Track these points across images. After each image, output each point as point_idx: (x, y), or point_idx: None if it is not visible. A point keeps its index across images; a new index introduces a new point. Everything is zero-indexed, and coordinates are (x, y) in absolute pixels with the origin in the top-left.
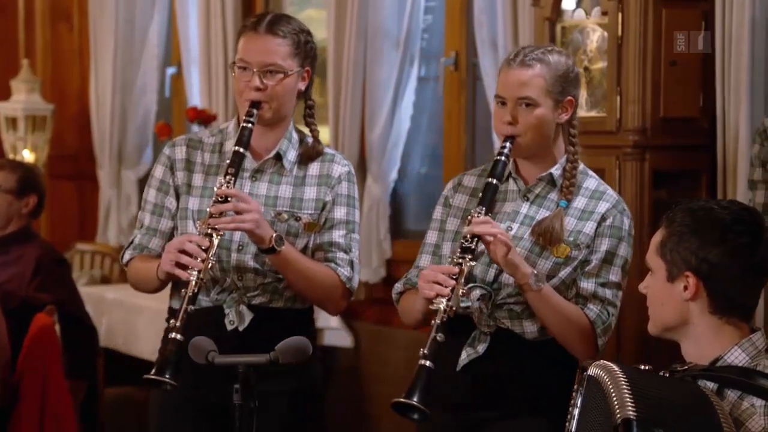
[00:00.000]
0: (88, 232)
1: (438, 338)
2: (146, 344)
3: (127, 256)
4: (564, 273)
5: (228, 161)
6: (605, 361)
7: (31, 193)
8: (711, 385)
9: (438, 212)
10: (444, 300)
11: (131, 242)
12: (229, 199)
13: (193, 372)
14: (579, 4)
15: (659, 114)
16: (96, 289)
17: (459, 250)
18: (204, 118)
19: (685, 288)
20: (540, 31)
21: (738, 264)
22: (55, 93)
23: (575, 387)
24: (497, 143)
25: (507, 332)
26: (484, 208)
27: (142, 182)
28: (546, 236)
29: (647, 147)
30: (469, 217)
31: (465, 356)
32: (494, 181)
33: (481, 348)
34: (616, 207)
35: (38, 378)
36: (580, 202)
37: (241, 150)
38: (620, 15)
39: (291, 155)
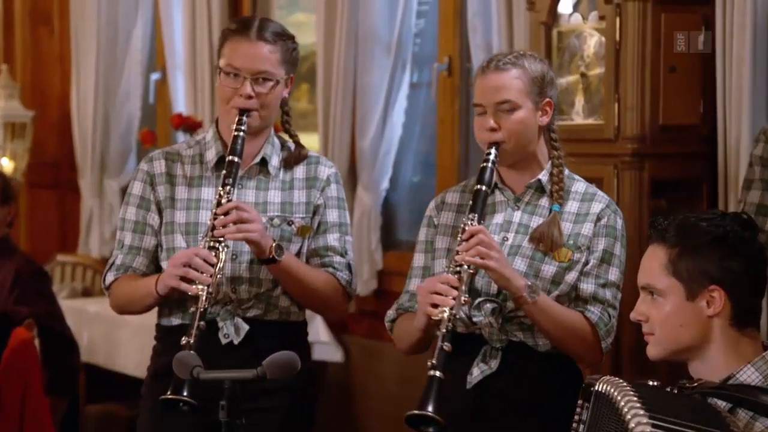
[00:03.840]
0: (69, 243)
1: (445, 347)
2: (129, 359)
3: (109, 279)
4: (571, 277)
5: (224, 172)
6: (613, 377)
7: (11, 201)
8: (723, 404)
9: (423, 234)
10: (447, 309)
11: (112, 264)
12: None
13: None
14: (576, 8)
15: (658, 121)
16: (77, 302)
17: (454, 261)
18: (189, 125)
19: (708, 304)
20: (535, 35)
21: (754, 270)
22: (36, 99)
23: (580, 402)
24: None
25: (519, 346)
26: (476, 215)
27: (126, 191)
28: (546, 242)
29: (646, 155)
30: (463, 226)
31: (478, 373)
32: (483, 188)
33: (494, 364)
34: (609, 207)
35: (17, 393)
36: (572, 206)
37: (236, 159)
38: (618, 19)
39: (275, 160)
